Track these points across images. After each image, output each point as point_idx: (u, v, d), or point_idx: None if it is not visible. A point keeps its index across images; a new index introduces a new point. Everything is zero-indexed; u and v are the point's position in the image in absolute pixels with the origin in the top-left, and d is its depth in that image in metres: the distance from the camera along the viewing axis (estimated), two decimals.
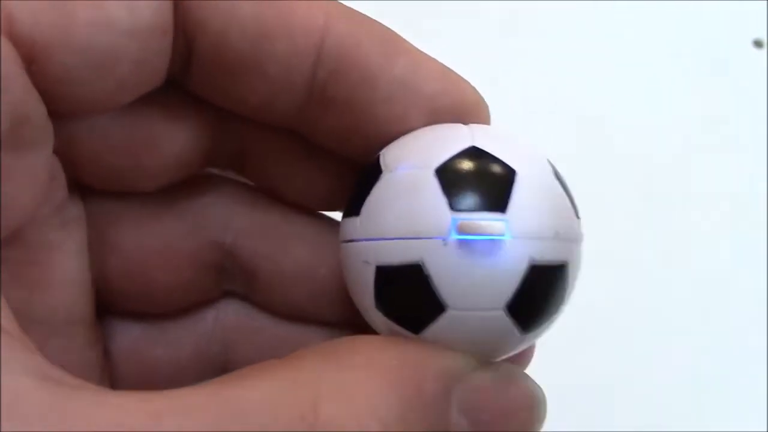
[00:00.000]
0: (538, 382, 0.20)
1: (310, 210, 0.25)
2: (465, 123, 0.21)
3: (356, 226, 0.20)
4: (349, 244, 0.21)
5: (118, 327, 0.24)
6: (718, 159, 0.53)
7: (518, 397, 0.19)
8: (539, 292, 0.19)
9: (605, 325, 0.45)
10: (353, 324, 0.23)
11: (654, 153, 0.52)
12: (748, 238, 0.50)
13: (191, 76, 0.21)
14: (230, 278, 0.25)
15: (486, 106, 0.22)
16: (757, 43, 0.58)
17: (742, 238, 0.50)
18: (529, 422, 0.19)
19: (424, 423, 0.18)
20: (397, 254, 0.19)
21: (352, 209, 0.21)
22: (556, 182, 0.20)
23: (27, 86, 0.18)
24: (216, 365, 0.25)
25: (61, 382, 0.16)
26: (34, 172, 0.19)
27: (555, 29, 0.56)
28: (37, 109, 0.19)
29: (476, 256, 0.19)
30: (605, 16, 0.57)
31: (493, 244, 0.19)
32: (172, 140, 0.22)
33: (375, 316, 0.20)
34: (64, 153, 0.21)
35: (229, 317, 0.25)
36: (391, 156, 0.21)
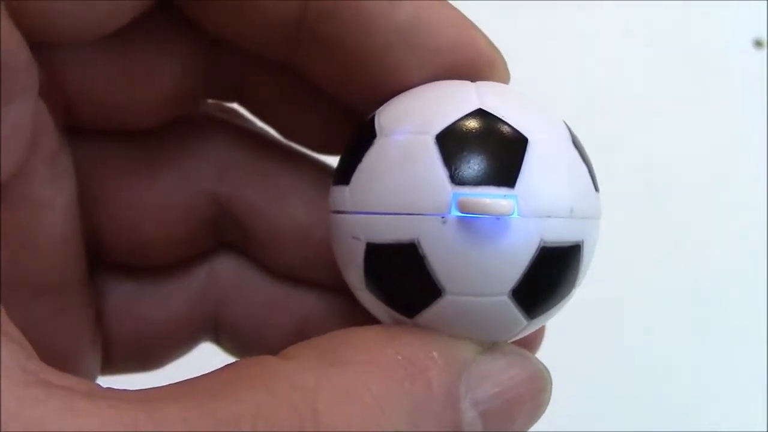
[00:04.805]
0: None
1: (311, 159, 0.23)
2: (474, 80, 0.19)
3: (345, 196, 0.18)
4: (338, 215, 0.18)
5: (110, 285, 0.23)
6: (719, 158, 0.52)
7: (525, 380, 0.18)
8: (549, 277, 0.17)
9: (604, 323, 0.45)
10: (350, 290, 0.21)
11: (654, 152, 0.52)
12: (748, 236, 0.50)
13: None
14: (225, 232, 0.23)
15: (504, 65, 0.20)
16: (757, 43, 0.57)
17: (742, 236, 0.50)
18: (537, 405, 0.18)
19: (435, 422, 0.16)
20: (389, 231, 0.17)
21: (342, 177, 0.18)
22: (574, 150, 0.18)
23: (10, 30, 0.16)
24: (209, 324, 0.24)
25: (35, 383, 0.14)
26: (18, 123, 0.17)
27: (554, 29, 0.55)
28: (20, 54, 0.17)
29: (479, 237, 0.16)
30: (605, 16, 0.56)
31: (498, 223, 0.16)
32: (168, 70, 0.20)
33: (365, 297, 0.19)
34: (53, 89, 0.19)
35: (223, 274, 0.24)
36: (386, 117, 0.18)
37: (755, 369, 0.45)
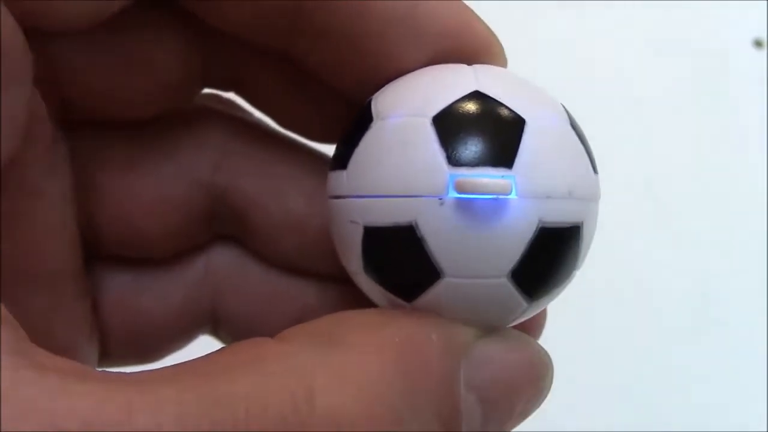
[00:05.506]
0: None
1: (309, 149, 0.23)
2: (470, 64, 0.19)
3: (343, 181, 0.18)
4: (336, 200, 0.18)
5: (107, 277, 0.23)
6: (718, 158, 0.52)
7: (526, 366, 0.18)
8: (548, 258, 0.17)
9: (603, 323, 0.45)
10: (349, 280, 0.21)
11: (654, 152, 0.52)
12: (748, 236, 0.50)
13: None
14: (222, 223, 0.23)
15: (501, 49, 0.20)
16: (757, 43, 0.57)
17: (742, 236, 0.50)
18: (538, 391, 0.18)
19: (433, 405, 0.16)
20: (387, 214, 0.17)
21: (340, 162, 0.18)
22: (572, 132, 0.18)
23: (4, 15, 0.16)
24: (207, 316, 0.24)
25: (28, 365, 0.14)
26: (13, 111, 0.17)
27: (554, 29, 0.55)
28: (14, 41, 0.17)
29: (477, 218, 0.16)
30: (605, 17, 0.56)
31: (496, 204, 0.16)
32: (163, 59, 0.20)
33: (364, 281, 0.18)
34: (48, 79, 0.19)
35: (220, 266, 0.23)
36: (383, 101, 0.18)
37: (755, 369, 0.45)
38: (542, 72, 0.50)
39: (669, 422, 0.44)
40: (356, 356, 0.16)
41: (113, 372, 0.15)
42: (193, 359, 0.16)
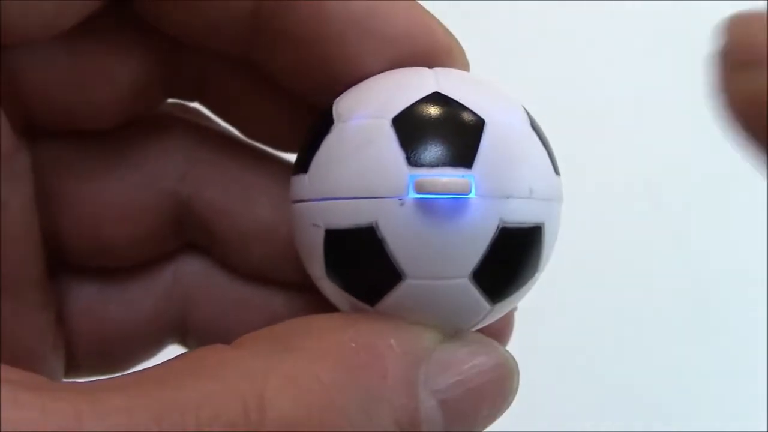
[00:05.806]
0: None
1: (275, 157, 0.23)
2: (431, 67, 0.19)
3: (304, 184, 0.18)
4: (298, 205, 0.18)
5: (74, 287, 0.23)
6: (718, 158, 0.51)
7: (489, 369, 0.17)
8: (510, 258, 0.17)
9: (604, 324, 0.45)
10: (316, 288, 0.21)
11: (653, 152, 0.51)
12: (748, 236, 0.49)
13: None
14: (190, 232, 0.23)
15: (461, 53, 0.20)
16: None
17: (742, 236, 0.50)
18: (503, 395, 0.18)
19: (390, 411, 0.16)
20: (347, 216, 0.17)
21: (301, 166, 0.18)
22: (532, 133, 0.18)
23: None
24: (175, 326, 0.23)
25: None
26: None
27: (553, 29, 0.55)
28: None
29: (437, 218, 0.16)
30: (605, 16, 0.56)
31: (456, 204, 0.16)
32: (125, 69, 0.20)
33: (327, 286, 0.18)
34: (8, 90, 0.19)
35: (189, 275, 0.23)
36: (344, 105, 0.18)
37: (755, 369, 0.45)
38: (541, 72, 0.50)
39: (669, 422, 0.44)
40: (310, 362, 0.16)
41: (66, 383, 0.15)
42: (148, 367, 0.16)
